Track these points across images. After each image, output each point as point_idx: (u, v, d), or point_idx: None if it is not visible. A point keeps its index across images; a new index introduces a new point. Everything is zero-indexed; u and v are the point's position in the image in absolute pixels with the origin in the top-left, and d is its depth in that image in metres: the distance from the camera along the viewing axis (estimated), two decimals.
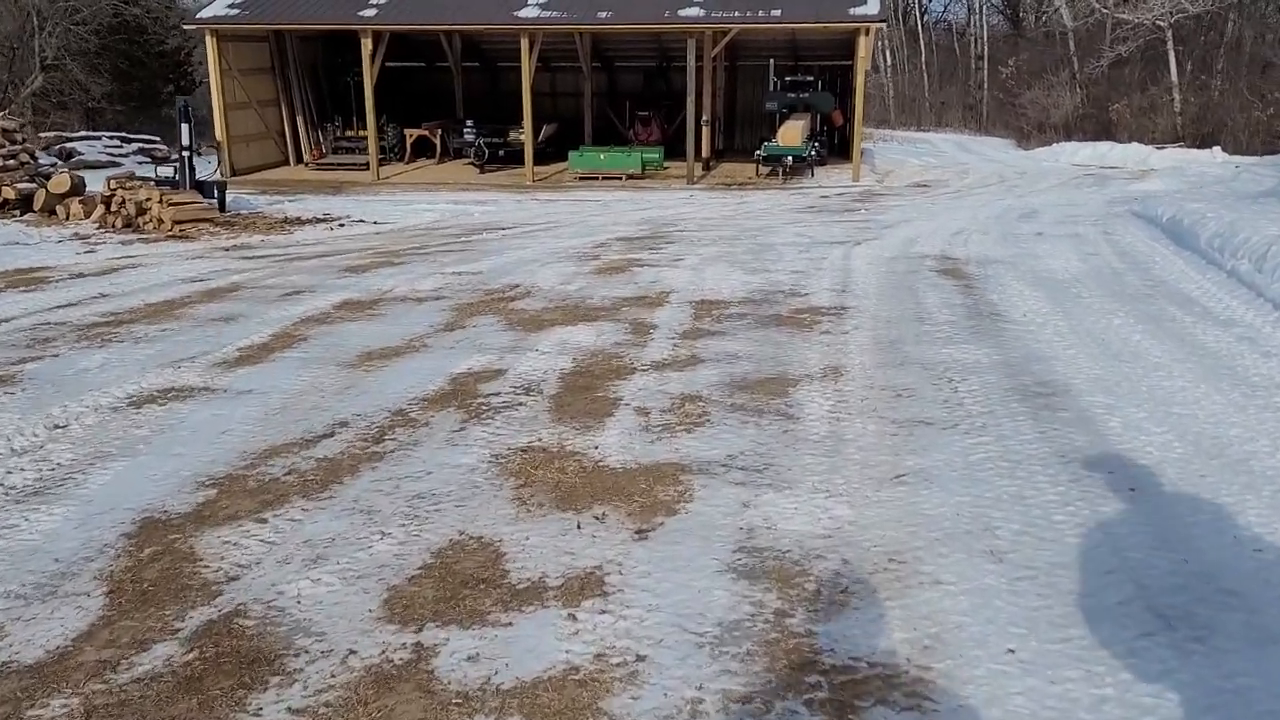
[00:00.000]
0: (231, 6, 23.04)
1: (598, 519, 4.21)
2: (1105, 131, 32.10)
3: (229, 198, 19.08)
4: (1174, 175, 21.63)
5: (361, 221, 16.77)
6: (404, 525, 4.18)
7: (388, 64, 28.70)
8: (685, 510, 4.27)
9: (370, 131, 22.89)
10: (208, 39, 22.60)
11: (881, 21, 21.97)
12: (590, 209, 18.59)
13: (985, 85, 39.98)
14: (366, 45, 22.23)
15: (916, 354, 6.71)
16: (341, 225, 16.34)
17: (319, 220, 17.07)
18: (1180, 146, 30.06)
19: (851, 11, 21.70)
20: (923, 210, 16.88)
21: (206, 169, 24.21)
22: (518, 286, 9.40)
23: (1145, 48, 31.72)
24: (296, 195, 20.88)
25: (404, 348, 7.10)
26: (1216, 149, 28.79)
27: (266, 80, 24.49)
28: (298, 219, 17.32)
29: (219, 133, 22.96)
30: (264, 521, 4.24)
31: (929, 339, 7.10)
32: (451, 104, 27.44)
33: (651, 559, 3.85)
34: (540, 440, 5.15)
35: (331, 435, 5.27)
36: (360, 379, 6.32)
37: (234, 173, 23.10)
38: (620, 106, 27.53)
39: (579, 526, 4.14)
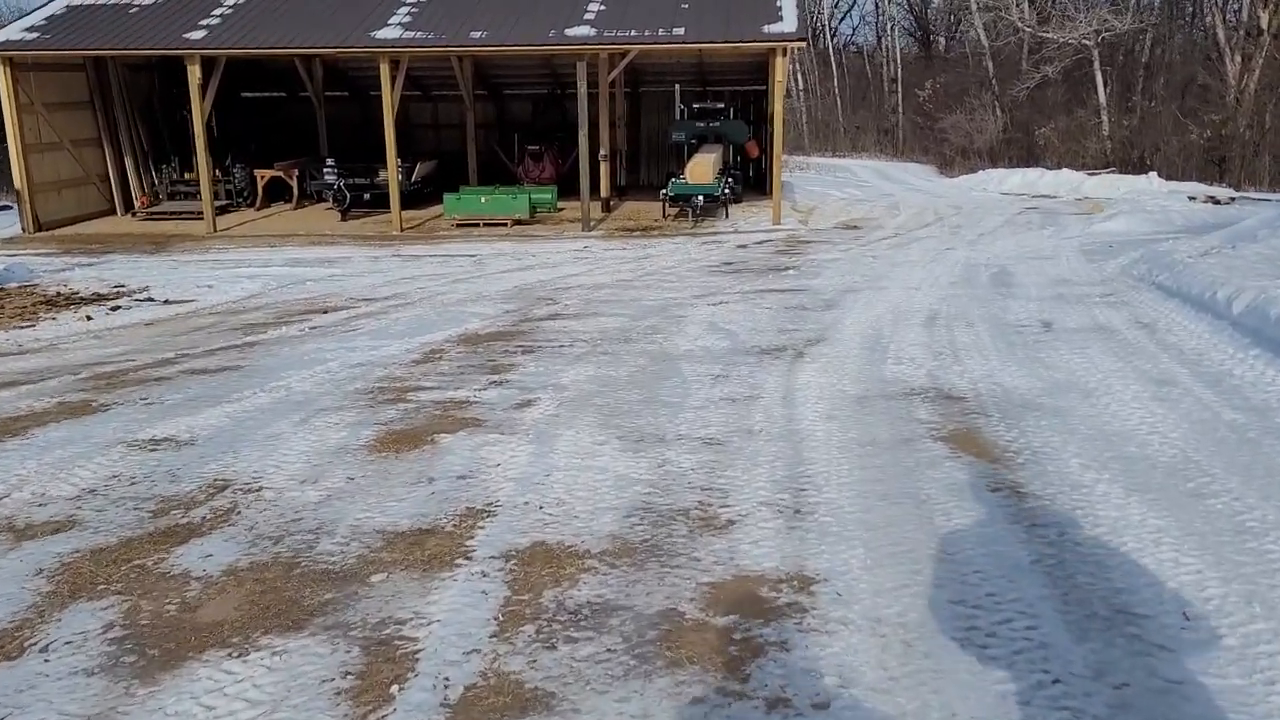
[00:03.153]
0: (30, 30, 18.15)
1: None
2: (1032, 157, 28.71)
3: (4, 264, 14.46)
4: (1133, 210, 18.01)
5: (150, 300, 12.18)
6: None
7: (244, 95, 24.04)
8: None
9: (203, 175, 18.17)
10: (0, 69, 17.65)
11: (800, 41, 18.00)
12: (458, 270, 14.22)
13: (900, 109, 36.50)
14: (194, 73, 17.54)
15: None
16: (117, 308, 11.73)
17: (99, 298, 12.46)
18: (1113, 172, 26.75)
19: (765, 29, 17.69)
20: (865, 270, 12.84)
21: (5, 224, 19.29)
22: (220, 491, 5.02)
23: (1071, 68, 28.39)
24: (103, 256, 16.15)
25: None
26: (1153, 175, 25.50)
27: (84, 116, 19.59)
28: (73, 295, 12.70)
29: (17, 180, 18.02)
30: None
31: None
32: (316, 139, 22.79)
33: None
34: None
35: None
36: None
37: (39, 227, 18.21)
38: (511, 139, 23.16)
39: None
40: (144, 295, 12.58)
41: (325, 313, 10.87)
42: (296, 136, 22.84)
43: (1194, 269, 9.14)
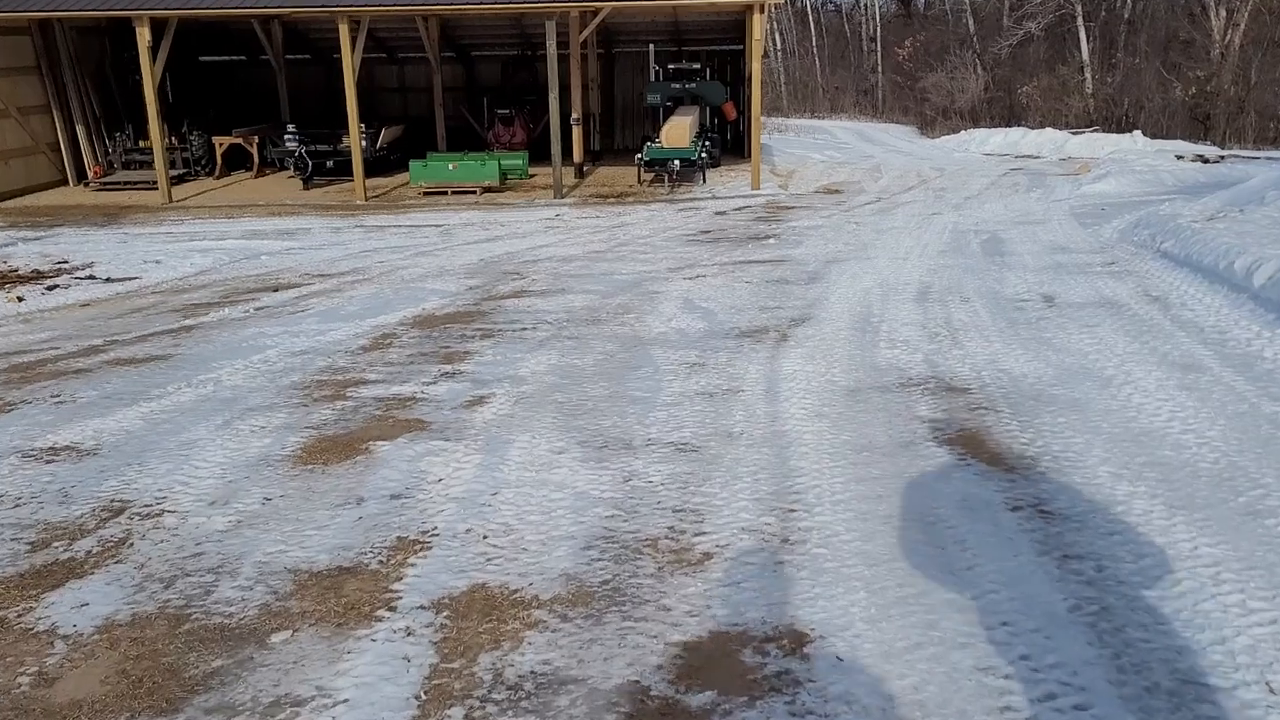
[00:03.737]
0: None
1: None
2: (1014, 116, 27.92)
3: None
4: (1121, 170, 17.27)
5: (91, 278, 11.30)
6: None
7: (202, 59, 22.92)
8: None
9: (156, 144, 17.14)
10: None
11: None
12: (423, 242, 13.38)
13: (880, 68, 35.56)
14: (144, 35, 16.46)
15: None
16: (54, 287, 10.85)
17: (38, 276, 11.60)
18: (1096, 131, 26.03)
19: None
20: (849, 238, 12.09)
21: None
22: (114, 515, 4.24)
23: (1053, 24, 27.52)
24: (51, 230, 15.19)
25: None
26: (1137, 133, 24.81)
27: (31, 82, 18.46)
28: (9, 273, 11.83)
29: None
30: None
31: None
32: (278, 105, 21.70)
33: None
34: None
35: None
36: None
37: None
38: (480, 103, 22.15)
39: None
40: (87, 273, 11.70)
41: (275, 290, 10.04)
42: (258, 102, 21.77)
43: (1203, 235, 8.44)
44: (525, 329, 7.51)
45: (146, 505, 4.40)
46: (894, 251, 10.84)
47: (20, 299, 10.23)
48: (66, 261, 12.58)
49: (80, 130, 19.15)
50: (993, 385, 5.47)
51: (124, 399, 6.06)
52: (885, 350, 6.33)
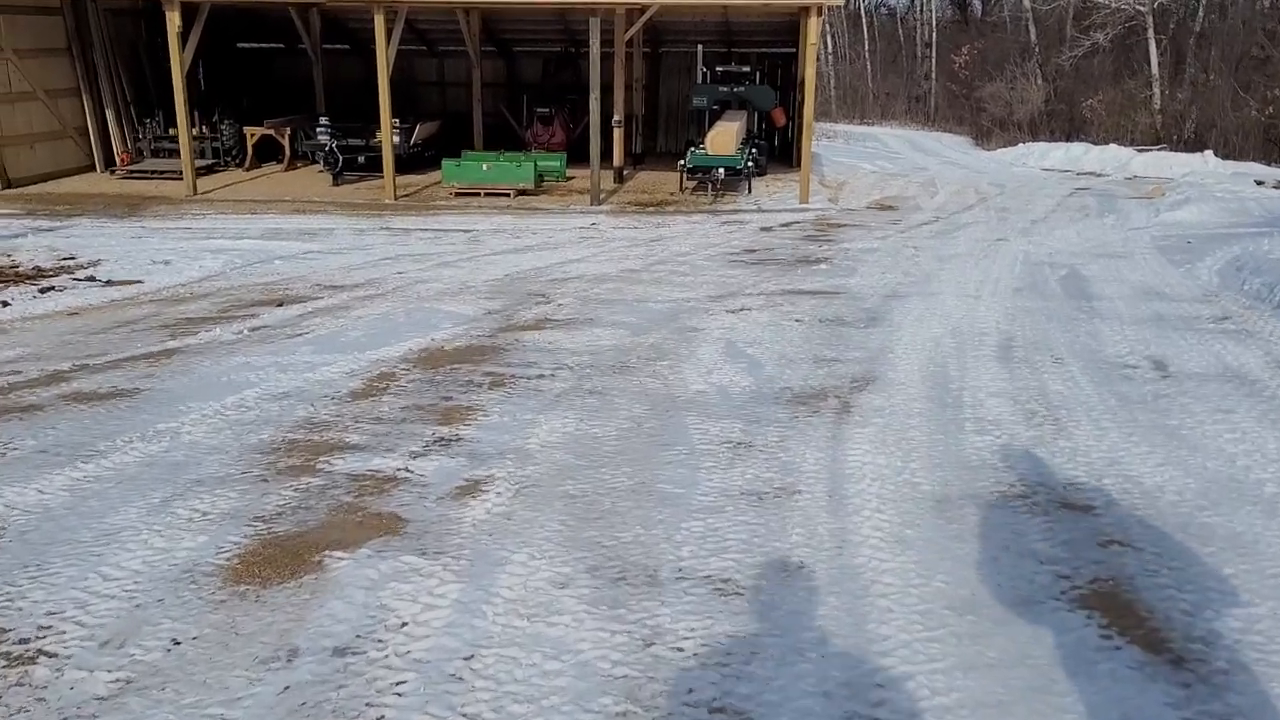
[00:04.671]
0: None
1: None
2: (1075, 130, 26.31)
3: None
4: (1201, 196, 15.77)
5: (91, 280, 10.33)
6: None
7: (241, 45, 21.99)
8: None
9: (182, 132, 16.18)
10: None
11: None
12: (448, 249, 12.28)
13: (934, 75, 33.98)
14: (174, 20, 15.51)
15: None
16: (48, 289, 9.87)
17: (39, 274, 10.67)
18: (1164, 149, 24.37)
19: None
20: (908, 265, 10.80)
21: None
22: None
23: (1122, 36, 25.86)
24: (69, 220, 14.28)
25: None
26: (1208, 153, 23.11)
27: (62, 63, 17.58)
28: (9, 269, 10.90)
29: None
30: None
31: None
32: (314, 96, 20.71)
33: None
34: None
35: None
36: None
37: (7, 184, 16.34)
38: (520, 100, 21.01)
39: None
40: (89, 273, 10.72)
41: (280, 305, 8.97)
42: (294, 92, 20.79)
43: None
44: (543, 375, 6.35)
45: (22, 641, 3.30)
46: (961, 286, 9.56)
47: (6, 303, 9.24)
48: (73, 258, 11.63)
49: (110, 115, 18.26)
50: (1122, 503, 4.22)
51: (61, 455, 4.98)
52: (973, 436, 5.09)
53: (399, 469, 4.73)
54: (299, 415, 5.61)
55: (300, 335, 7.75)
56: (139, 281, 10.32)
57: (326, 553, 3.85)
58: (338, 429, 5.35)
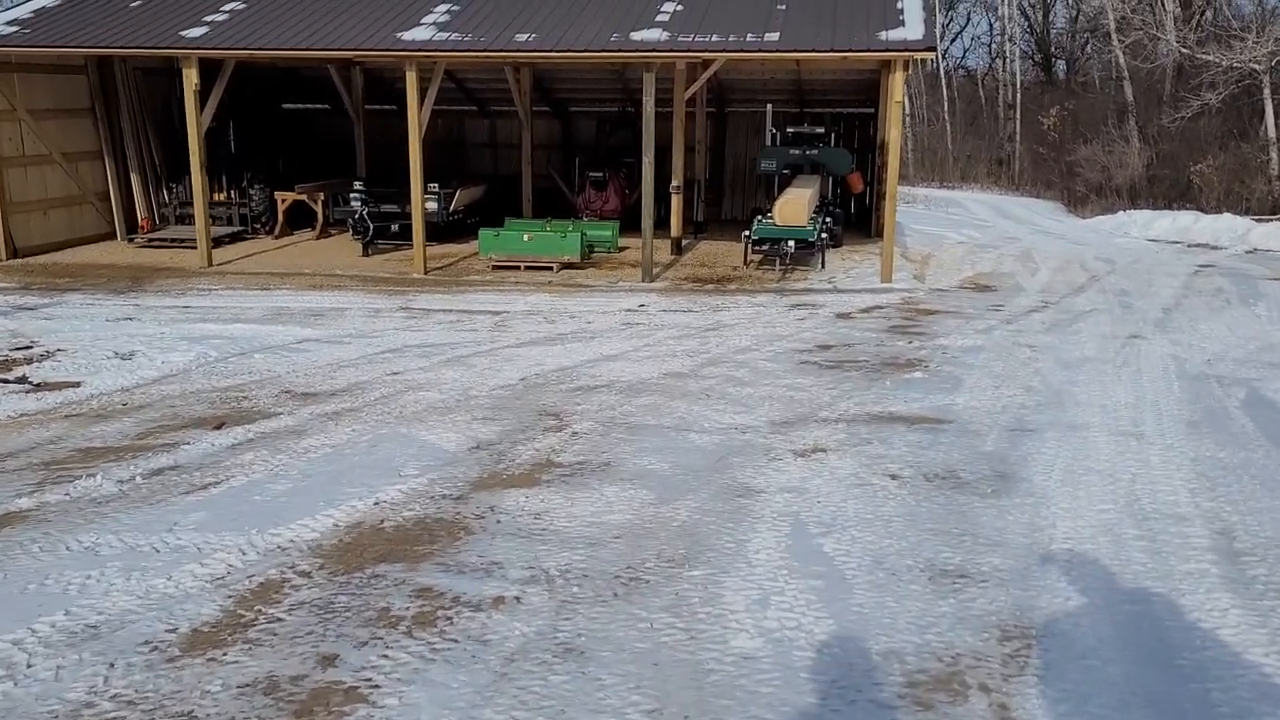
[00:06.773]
0: (11, 24, 14.67)
1: None
2: (1181, 197, 23.30)
3: None
4: None
5: (23, 381, 8.32)
6: None
7: (285, 106, 20.44)
8: None
9: (198, 199, 14.40)
10: None
11: (928, 50, 13.30)
12: (466, 338, 10.08)
13: (1018, 137, 31.23)
14: (190, 77, 13.80)
15: None
16: None
17: None
18: None
19: (883, 36, 13.10)
20: (1027, 376, 8.21)
21: None
22: None
23: (1235, 96, 22.91)
24: (60, 295, 12.48)
25: None
26: None
27: (84, 125, 16.06)
28: None
29: None
30: None
31: None
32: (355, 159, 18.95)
33: None
34: None
35: None
36: None
37: (13, 253, 14.72)
38: (574, 163, 18.95)
39: None
40: (23, 371, 8.71)
41: (217, 428, 6.78)
42: (336, 153, 19.06)
43: None
44: (501, 599, 3.97)
45: None
46: (1111, 414, 6.95)
47: None
48: (29, 347, 9.72)
49: (135, 180, 16.68)
50: None
51: None
52: None
53: None
54: (75, 694, 3.29)
55: (205, 488, 5.52)
56: (77, 384, 8.27)
57: None
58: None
